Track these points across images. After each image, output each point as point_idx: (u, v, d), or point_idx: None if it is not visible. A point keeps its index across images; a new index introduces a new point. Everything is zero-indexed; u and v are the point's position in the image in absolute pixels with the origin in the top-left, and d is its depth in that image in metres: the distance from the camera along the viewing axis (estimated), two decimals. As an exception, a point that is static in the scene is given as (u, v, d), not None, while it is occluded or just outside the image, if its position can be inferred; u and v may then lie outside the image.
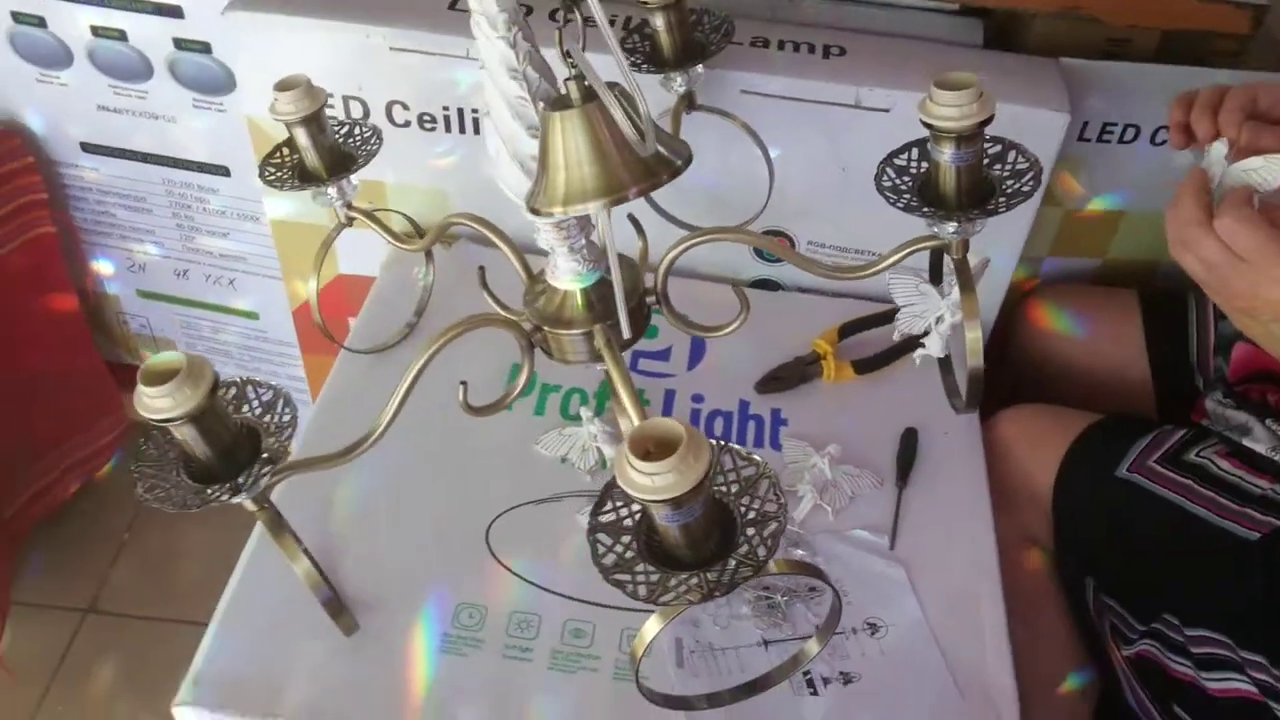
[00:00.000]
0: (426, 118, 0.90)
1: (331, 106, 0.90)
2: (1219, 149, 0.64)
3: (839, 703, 0.68)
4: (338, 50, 0.86)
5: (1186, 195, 0.62)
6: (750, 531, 0.48)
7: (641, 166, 0.51)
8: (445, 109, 0.89)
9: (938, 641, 0.72)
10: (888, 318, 0.93)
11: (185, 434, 0.53)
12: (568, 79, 0.51)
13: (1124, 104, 0.92)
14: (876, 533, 0.78)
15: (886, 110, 0.84)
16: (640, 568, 0.49)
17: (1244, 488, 0.77)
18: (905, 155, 0.64)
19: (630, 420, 0.56)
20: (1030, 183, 0.60)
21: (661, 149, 0.51)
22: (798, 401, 0.87)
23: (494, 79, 0.55)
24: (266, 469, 0.55)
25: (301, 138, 0.74)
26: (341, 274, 1.04)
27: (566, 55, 0.51)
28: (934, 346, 0.68)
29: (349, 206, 0.79)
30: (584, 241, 0.63)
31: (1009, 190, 0.60)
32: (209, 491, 0.54)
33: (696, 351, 0.91)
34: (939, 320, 0.67)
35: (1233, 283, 0.60)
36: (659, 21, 0.78)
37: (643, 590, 0.48)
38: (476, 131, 0.90)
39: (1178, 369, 0.94)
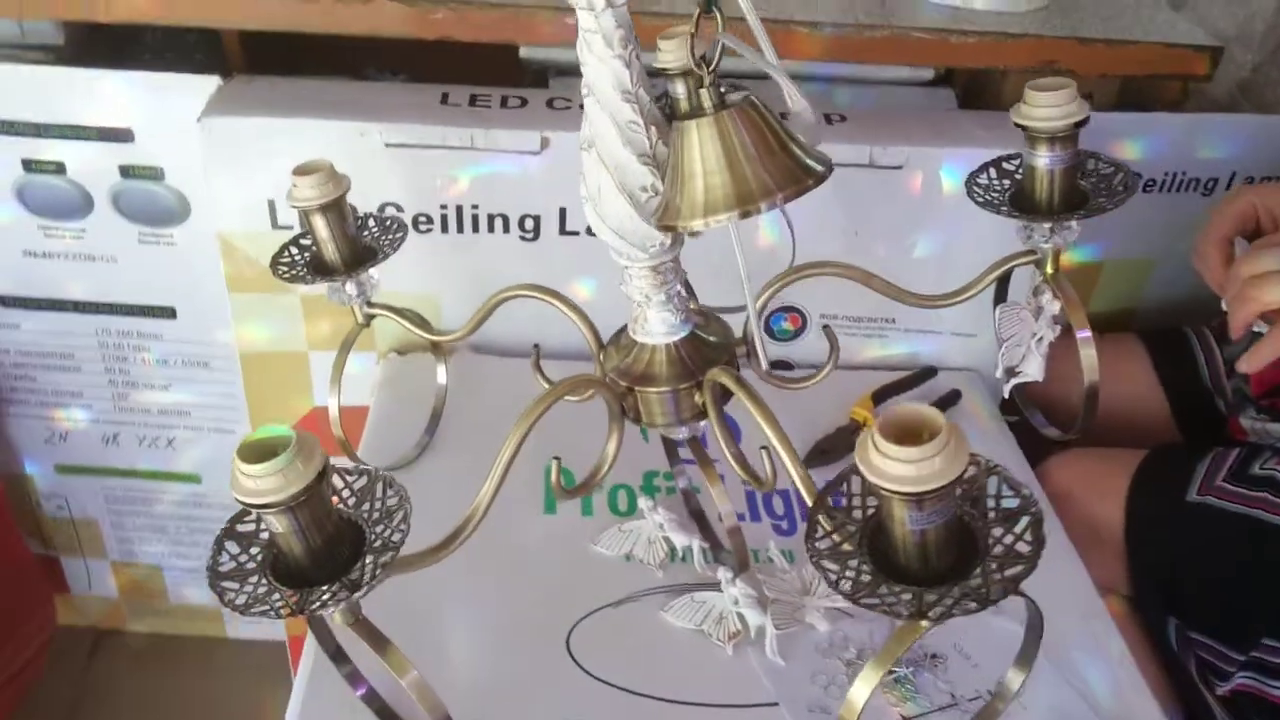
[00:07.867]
0: (423, 218, 0.84)
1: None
2: None
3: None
4: (328, 151, 0.80)
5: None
6: (993, 567, 0.42)
7: (785, 172, 0.47)
8: (443, 208, 0.84)
9: (1074, 687, 0.66)
10: (916, 380, 0.91)
11: (285, 524, 0.44)
12: (700, 86, 0.48)
13: (1095, 154, 0.95)
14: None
15: (899, 167, 0.84)
16: (854, 563, 0.43)
17: (1318, 492, 0.77)
18: (986, 174, 0.64)
19: (792, 472, 0.50)
20: (1123, 183, 0.60)
21: (805, 155, 0.48)
22: (850, 471, 0.83)
23: (604, 104, 0.50)
24: (385, 559, 0.46)
25: (321, 228, 0.67)
26: (317, 406, 0.95)
27: (702, 61, 0.47)
28: (1033, 369, 0.66)
29: (369, 304, 0.72)
30: (678, 288, 0.59)
31: (1102, 193, 0.60)
32: (317, 593, 0.45)
33: (733, 435, 0.86)
34: (1038, 340, 0.65)
35: None
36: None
37: (847, 585, 0.42)
38: (475, 230, 0.85)
39: (1195, 396, 0.95)
